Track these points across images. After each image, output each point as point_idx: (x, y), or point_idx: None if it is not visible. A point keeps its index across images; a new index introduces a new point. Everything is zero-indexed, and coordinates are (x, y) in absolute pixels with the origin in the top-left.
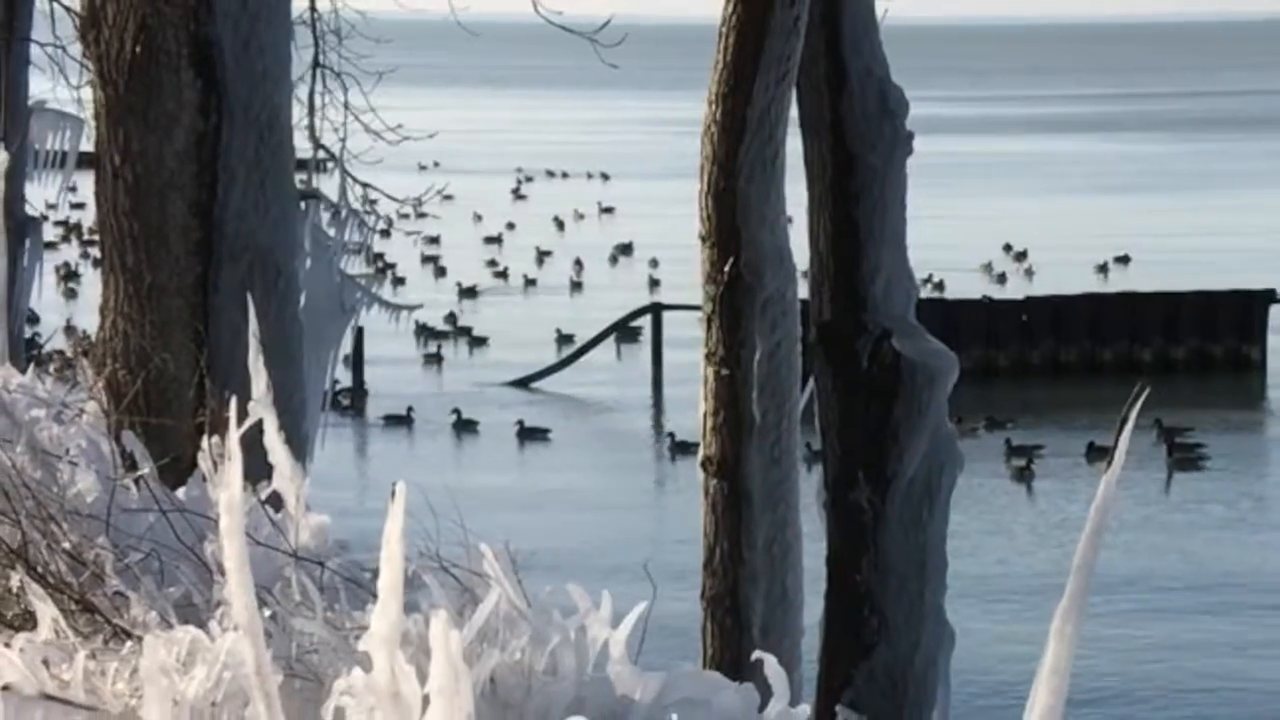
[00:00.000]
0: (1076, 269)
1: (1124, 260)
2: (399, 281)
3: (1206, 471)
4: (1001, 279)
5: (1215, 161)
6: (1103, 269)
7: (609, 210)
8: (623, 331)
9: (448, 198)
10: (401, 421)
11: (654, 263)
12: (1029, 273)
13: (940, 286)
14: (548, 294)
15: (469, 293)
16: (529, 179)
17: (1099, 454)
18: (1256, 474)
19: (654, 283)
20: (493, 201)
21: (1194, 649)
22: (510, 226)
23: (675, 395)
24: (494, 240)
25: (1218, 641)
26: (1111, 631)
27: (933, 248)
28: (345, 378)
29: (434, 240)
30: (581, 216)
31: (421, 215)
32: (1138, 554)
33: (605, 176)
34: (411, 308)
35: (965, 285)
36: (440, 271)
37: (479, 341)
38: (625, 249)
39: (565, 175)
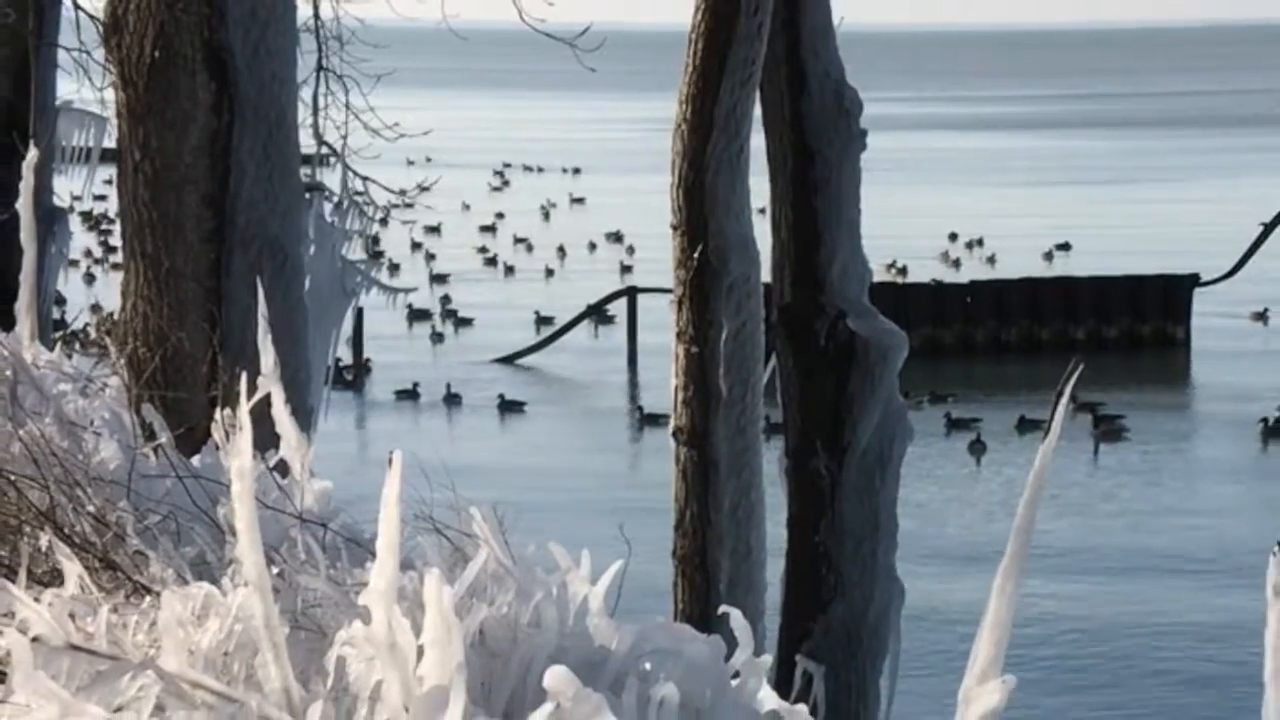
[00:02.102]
0: (1022, 255)
1: (1065, 247)
2: (394, 268)
3: (1130, 442)
4: (957, 265)
5: (1148, 157)
6: (1048, 256)
7: (579, 200)
8: (600, 313)
9: (424, 189)
10: (409, 395)
11: (630, 250)
12: (991, 260)
13: (904, 271)
14: (529, 279)
15: (440, 278)
16: (499, 173)
17: (1029, 425)
18: (1178, 443)
19: (625, 268)
20: (478, 194)
21: (1117, 602)
22: (500, 216)
23: (648, 371)
24: (488, 229)
25: (1139, 595)
26: (1042, 588)
27: (894, 235)
28: (344, 356)
29: (434, 229)
30: (554, 205)
31: (409, 205)
32: (1066, 516)
33: (577, 171)
34: (406, 290)
35: (925, 270)
36: (430, 257)
37: (464, 322)
38: (617, 237)
39: (540, 170)
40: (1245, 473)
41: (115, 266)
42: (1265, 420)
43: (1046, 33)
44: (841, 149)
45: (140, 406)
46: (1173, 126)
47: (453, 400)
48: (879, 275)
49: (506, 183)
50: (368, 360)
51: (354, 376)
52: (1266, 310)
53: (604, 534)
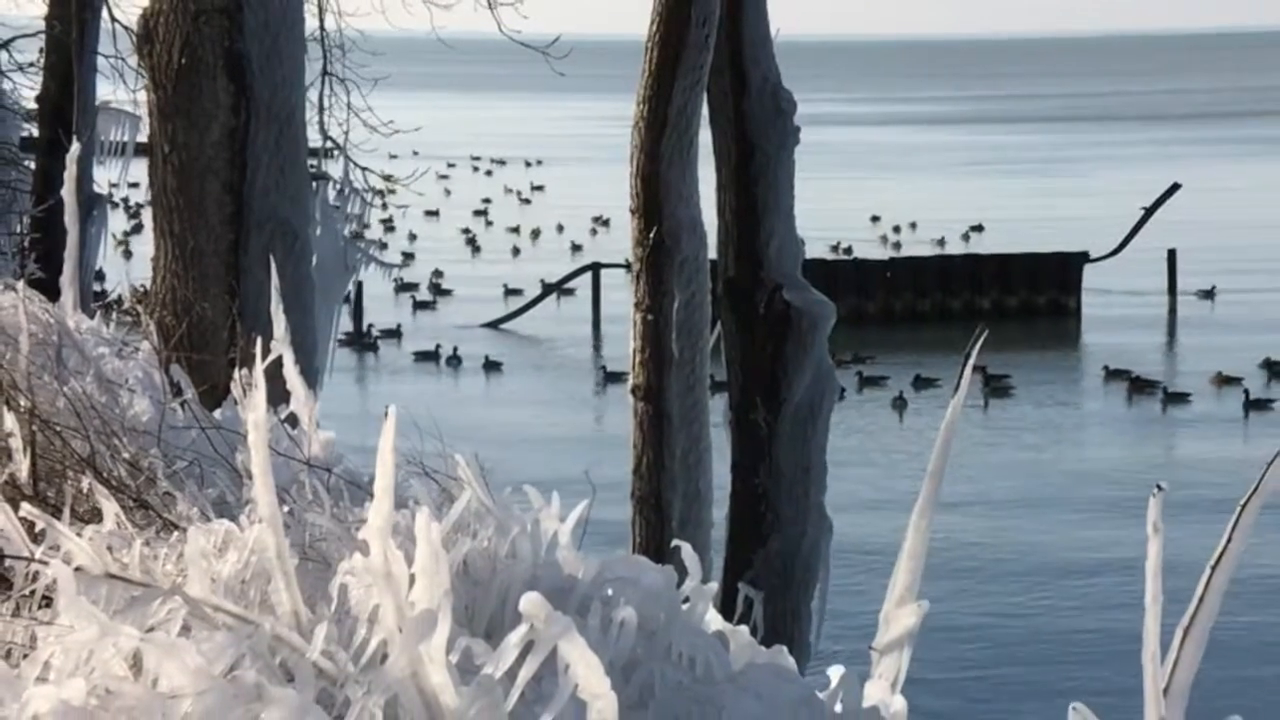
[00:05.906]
0: (944, 235)
1: (979, 229)
2: (382, 246)
3: (1016, 396)
4: (898, 247)
5: (1052, 150)
6: (965, 236)
7: (539, 188)
8: (564, 286)
9: (388, 177)
10: (430, 357)
11: (594, 230)
12: (922, 241)
13: (849, 251)
14: (500, 256)
15: (409, 256)
16: (464, 164)
17: (924, 383)
18: (1062, 395)
19: (576, 247)
20: (462, 182)
21: (998, 534)
22: (487, 201)
23: (610, 336)
24: (481, 213)
25: (1018, 526)
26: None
27: (833, 219)
28: (379, 323)
29: (433, 214)
30: (520, 191)
31: (393, 192)
32: (960, 457)
33: (539, 162)
34: (399, 266)
35: (864, 249)
36: (412, 237)
37: (445, 293)
38: (601, 220)
39: (503, 163)
40: (1113, 419)
41: (122, 244)
42: (1106, 368)
43: (963, 42)
44: (778, 143)
45: (169, 367)
46: (1072, 123)
47: (454, 361)
48: (823, 254)
49: (488, 173)
50: (399, 325)
51: (368, 341)
52: (1214, 287)
53: (572, 477)
